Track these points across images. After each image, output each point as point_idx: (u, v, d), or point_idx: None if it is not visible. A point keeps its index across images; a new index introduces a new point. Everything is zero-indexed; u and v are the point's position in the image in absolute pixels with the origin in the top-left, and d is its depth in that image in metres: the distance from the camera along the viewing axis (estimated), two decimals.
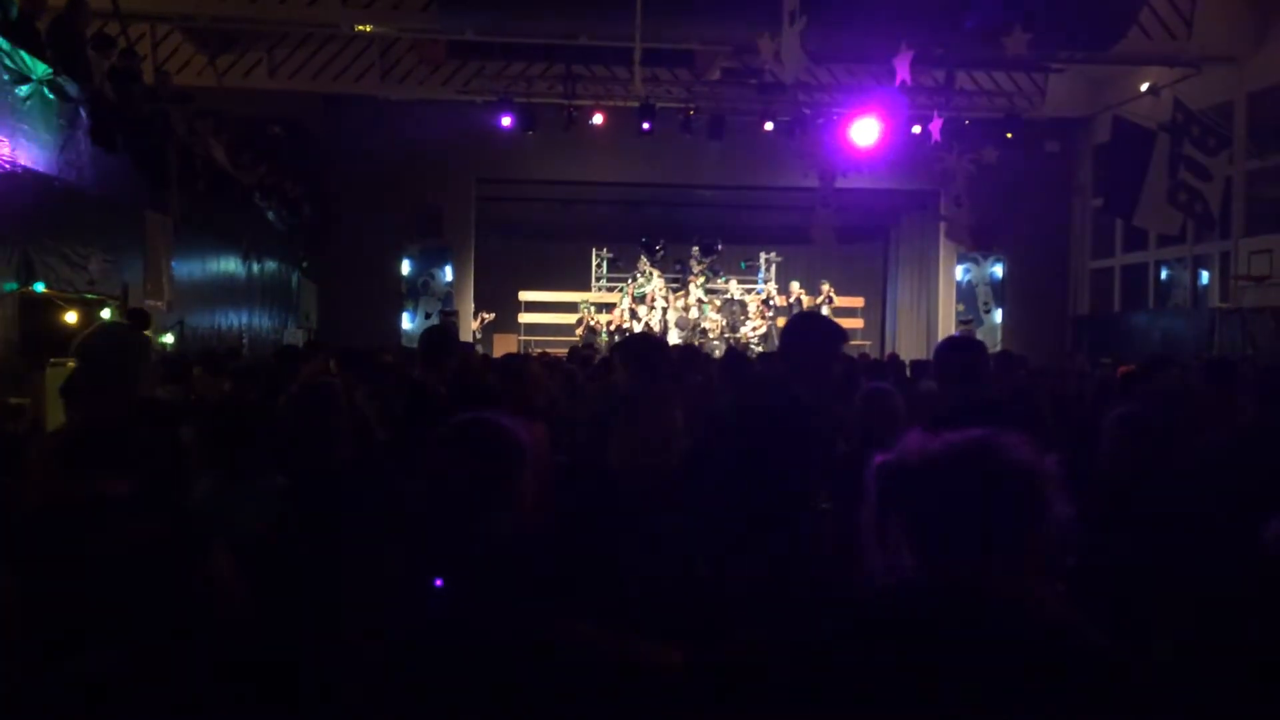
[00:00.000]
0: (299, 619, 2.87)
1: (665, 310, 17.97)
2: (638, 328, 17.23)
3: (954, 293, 18.39)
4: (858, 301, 19.99)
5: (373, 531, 3.00)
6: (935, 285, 18.88)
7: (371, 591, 2.87)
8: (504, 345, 17.67)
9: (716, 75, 16.09)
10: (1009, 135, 16.00)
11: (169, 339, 9.32)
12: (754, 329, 17.84)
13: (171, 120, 10.25)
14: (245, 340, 11.91)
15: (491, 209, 18.66)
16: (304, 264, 15.66)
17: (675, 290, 18.59)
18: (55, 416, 4.44)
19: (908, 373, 9.25)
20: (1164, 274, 16.99)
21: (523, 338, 19.00)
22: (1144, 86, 15.72)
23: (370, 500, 3.15)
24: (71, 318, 7.84)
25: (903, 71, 10.46)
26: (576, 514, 2.77)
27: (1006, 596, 1.57)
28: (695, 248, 19.03)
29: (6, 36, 6.97)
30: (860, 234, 20.35)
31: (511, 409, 4.28)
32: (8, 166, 6.73)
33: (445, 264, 17.40)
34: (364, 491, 3.20)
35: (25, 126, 7.02)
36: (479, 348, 16.06)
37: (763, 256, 20.16)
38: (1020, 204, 17.66)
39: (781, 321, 16.64)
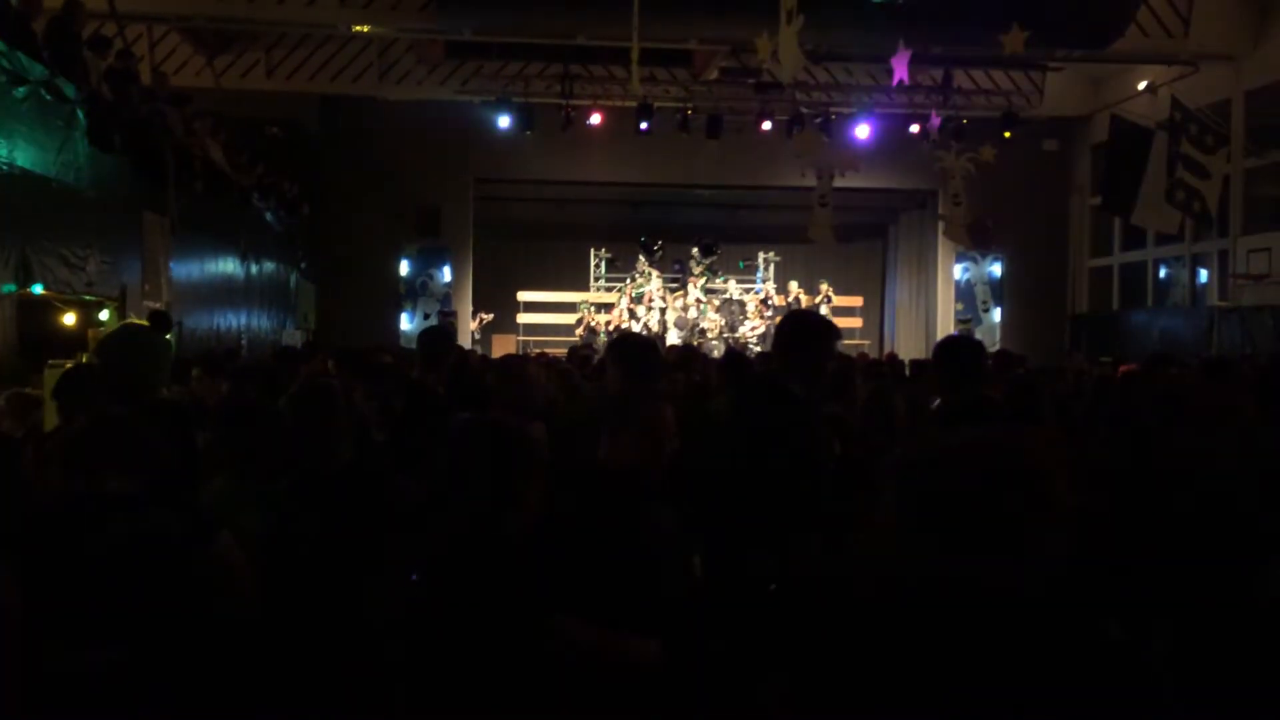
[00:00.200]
0: (300, 619, 2.87)
1: (664, 310, 17.97)
2: (636, 328, 17.23)
3: (952, 292, 18.40)
4: (856, 301, 20.01)
5: (374, 531, 3.00)
6: (934, 284, 18.89)
7: (372, 590, 2.87)
8: (503, 346, 17.67)
9: (714, 75, 16.10)
10: (1007, 134, 16.01)
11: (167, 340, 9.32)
12: (753, 329, 17.84)
13: (169, 121, 10.25)
14: (244, 341, 11.91)
15: (490, 209, 18.66)
16: (302, 264, 15.65)
17: (674, 290, 18.59)
18: (52, 418, 4.44)
19: (906, 372, 9.23)
20: (1162, 272, 17.01)
21: (521, 338, 19.00)
22: (1142, 85, 15.75)
23: (371, 500, 3.15)
24: (70, 319, 7.84)
25: (901, 71, 10.46)
26: (567, 512, 2.77)
27: (1029, 592, 1.56)
28: (695, 248, 19.03)
29: (3, 37, 6.96)
30: (859, 233, 20.37)
31: (511, 409, 4.29)
32: (5, 168, 6.72)
33: (444, 264, 17.39)
34: (365, 491, 3.20)
35: (22, 128, 7.01)
36: (478, 348, 16.06)
37: (761, 256, 20.17)
38: (1019, 203, 17.68)
39: None
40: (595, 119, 16.18)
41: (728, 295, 18.59)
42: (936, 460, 1.66)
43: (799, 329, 3.64)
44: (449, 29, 14.13)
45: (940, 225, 16.84)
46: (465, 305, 17.88)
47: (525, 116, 16.16)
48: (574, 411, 4.91)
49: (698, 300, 18.15)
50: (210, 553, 2.65)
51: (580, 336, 17.41)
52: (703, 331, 17.68)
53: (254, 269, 12.79)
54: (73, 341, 7.88)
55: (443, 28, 14.02)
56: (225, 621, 2.65)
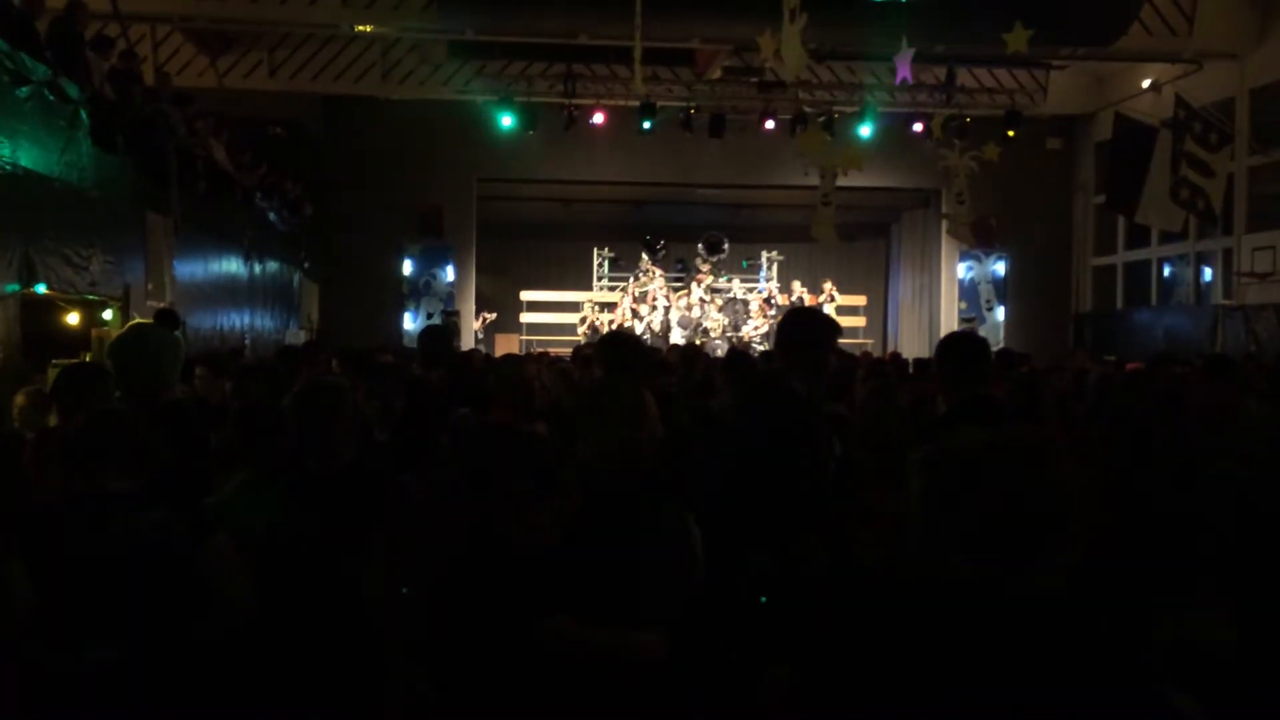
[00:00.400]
0: (300, 618, 2.87)
1: (667, 310, 17.96)
2: (639, 327, 17.22)
3: (956, 290, 18.35)
4: (860, 299, 19.99)
5: (374, 531, 3.00)
6: (937, 283, 18.85)
7: (372, 590, 2.87)
8: (506, 345, 17.67)
9: (717, 74, 16.08)
10: (1010, 133, 15.98)
11: None
12: (756, 328, 17.82)
13: (172, 121, 10.25)
14: (248, 341, 11.91)
15: (493, 208, 18.65)
16: (305, 264, 15.66)
17: (677, 289, 18.58)
18: (54, 417, 4.45)
19: (910, 370, 9.22)
20: (1167, 271, 16.96)
21: (524, 337, 19.00)
22: (1146, 83, 15.72)
23: (372, 500, 3.15)
24: (73, 319, 7.85)
25: (904, 69, 10.44)
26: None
27: (1046, 593, 1.56)
28: (701, 245, 19.00)
29: (6, 38, 6.97)
30: (862, 232, 20.34)
31: (511, 410, 4.29)
32: (9, 168, 6.73)
33: (446, 264, 17.39)
34: (366, 491, 3.20)
35: (25, 128, 7.02)
36: (481, 348, 16.06)
37: (764, 255, 20.16)
38: (1022, 201, 17.65)
39: None
40: (598, 118, 16.18)
41: (731, 294, 18.58)
42: (965, 459, 1.65)
43: (801, 326, 3.63)
44: (451, 28, 14.13)
45: (944, 224, 16.80)
46: (468, 305, 17.88)
47: (528, 116, 16.16)
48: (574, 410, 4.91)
49: (701, 299, 18.14)
50: (207, 553, 2.65)
51: (584, 336, 17.40)
52: (706, 331, 17.67)
53: (257, 269, 12.80)
54: (76, 341, 7.90)
55: (445, 27, 14.02)
56: (223, 621, 2.65)
